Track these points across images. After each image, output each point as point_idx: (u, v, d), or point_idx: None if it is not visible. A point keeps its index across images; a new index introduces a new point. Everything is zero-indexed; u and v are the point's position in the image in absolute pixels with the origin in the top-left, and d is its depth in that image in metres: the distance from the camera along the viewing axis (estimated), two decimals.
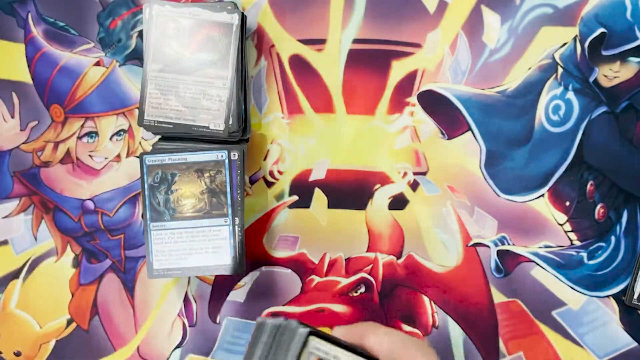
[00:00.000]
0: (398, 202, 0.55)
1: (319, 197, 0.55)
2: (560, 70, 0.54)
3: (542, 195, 0.54)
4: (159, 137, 0.52)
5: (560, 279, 0.54)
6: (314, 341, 0.35)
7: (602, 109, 0.54)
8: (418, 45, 0.54)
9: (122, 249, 0.56)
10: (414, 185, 0.55)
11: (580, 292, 0.54)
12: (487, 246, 0.55)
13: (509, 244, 0.55)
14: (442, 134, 0.55)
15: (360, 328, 0.37)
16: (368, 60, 0.55)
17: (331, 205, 0.55)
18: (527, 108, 0.54)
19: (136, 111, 0.55)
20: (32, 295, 0.57)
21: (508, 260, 0.55)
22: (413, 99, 0.55)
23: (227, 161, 0.50)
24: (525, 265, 0.55)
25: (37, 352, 0.57)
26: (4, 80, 0.56)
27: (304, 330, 0.35)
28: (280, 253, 0.56)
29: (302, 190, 0.56)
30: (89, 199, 0.56)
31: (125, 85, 0.56)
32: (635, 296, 0.53)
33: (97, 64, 0.55)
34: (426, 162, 0.55)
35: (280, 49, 0.55)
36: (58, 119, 0.56)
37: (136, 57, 0.55)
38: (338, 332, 0.38)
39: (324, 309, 0.56)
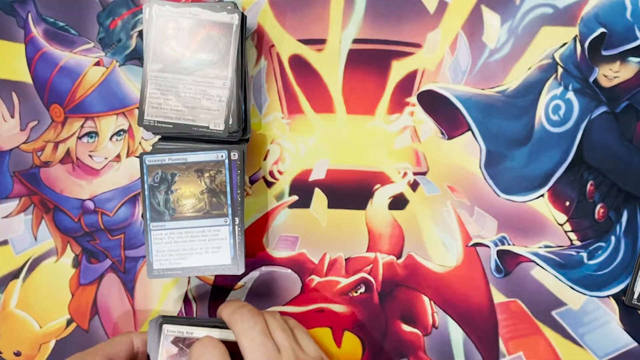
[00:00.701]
0: (398, 202, 0.55)
1: (319, 197, 0.55)
2: (560, 70, 0.54)
3: (542, 195, 0.54)
4: (158, 137, 0.52)
5: (560, 279, 0.54)
6: (167, 326, 0.48)
7: (602, 109, 0.54)
8: (418, 45, 0.54)
9: (122, 249, 0.56)
10: (414, 185, 0.55)
11: (580, 292, 0.54)
12: (487, 246, 0.55)
13: (509, 244, 0.55)
14: (442, 134, 0.55)
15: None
16: (368, 60, 0.55)
17: (331, 205, 0.55)
18: (527, 108, 0.54)
19: (136, 111, 0.55)
20: (32, 295, 0.57)
21: (508, 260, 0.55)
22: (413, 99, 0.55)
23: (227, 161, 0.50)
24: (525, 265, 0.55)
25: (37, 352, 0.57)
26: (4, 80, 0.56)
27: (158, 321, 0.48)
28: (280, 253, 0.56)
29: (302, 190, 0.56)
30: (89, 199, 0.56)
31: (125, 85, 0.56)
32: (635, 296, 0.53)
33: (97, 64, 0.56)
34: (426, 162, 0.55)
35: (280, 49, 0.55)
36: (58, 119, 0.56)
37: (136, 57, 0.55)
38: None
39: (324, 309, 0.56)
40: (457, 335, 0.55)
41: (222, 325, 0.48)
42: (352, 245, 0.56)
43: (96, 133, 0.56)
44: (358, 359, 0.56)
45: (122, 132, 0.56)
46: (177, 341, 0.48)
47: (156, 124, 0.50)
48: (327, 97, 0.55)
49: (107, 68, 0.56)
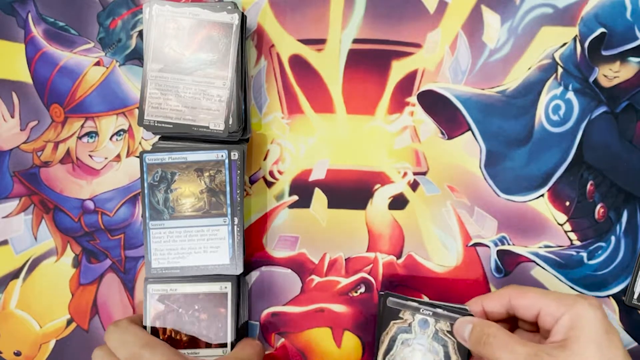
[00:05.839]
0: (398, 202, 0.55)
1: (319, 197, 0.55)
2: (560, 70, 0.54)
3: (542, 195, 0.54)
4: (158, 137, 0.52)
5: (560, 279, 0.54)
6: (151, 286, 0.50)
7: (602, 109, 0.54)
8: (418, 45, 0.54)
9: (122, 249, 0.56)
10: (414, 185, 0.55)
11: (580, 292, 0.54)
12: (487, 246, 0.55)
13: (509, 244, 0.55)
14: (442, 134, 0.55)
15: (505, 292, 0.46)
16: (368, 60, 0.55)
17: (331, 205, 0.55)
18: (527, 108, 0.54)
19: (136, 111, 0.56)
20: (32, 295, 0.57)
21: (508, 260, 0.55)
22: (413, 99, 0.55)
23: (227, 161, 0.50)
24: (525, 265, 0.54)
25: (37, 352, 0.57)
26: (4, 80, 0.56)
27: (144, 283, 0.50)
28: (280, 253, 0.56)
29: (302, 190, 0.56)
30: (89, 199, 0.56)
31: (125, 85, 0.56)
32: (635, 296, 0.53)
33: (97, 64, 0.56)
34: (426, 162, 0.55)
35: (280, 49, 0.55)
36: (58, 119, 0.56)
37: (136, 57, 0.55)
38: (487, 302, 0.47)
39: (324, 309, 0.56)
40: None
41: (204, 280, 0.50)
42: (352, 245, 0.55)
43: (96, 133, 0.56)
44: (358, 359, 0.56)
45: (122, 132, 0.56)
46: (162, 298, 0.50)
47: (156, 124, 0.50)
48: (327, 97, 0.55)
49: (107, 68, 0.56)
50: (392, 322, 0.49)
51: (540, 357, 0.40)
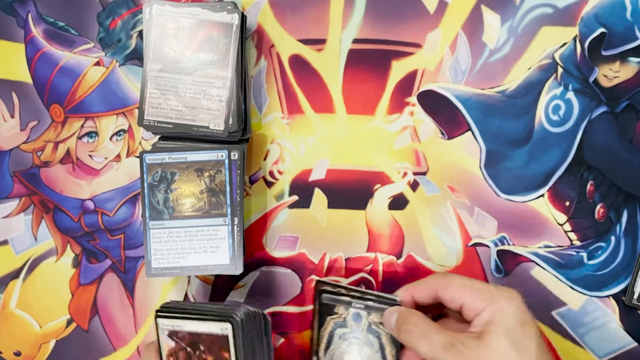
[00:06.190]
0: (398, 202, 0.55)
1: (319, 197, 0.55)
2: (560, 70, 0.54)
3: (542, 195, 0.54)
4: (158, 137, 0.52)
5: (560, 279, 0.54)
6: (161, 320, 0.46)
7: (602, 109, 0.54)
8: (418, 45, 0.54)
9: (122, 249, 0.56)
10: (414, 185, 0.55)
11: (580, 292, 0.54)
12: (487, 246, 0.55)
13: (508, 244, 0.55)
14: (442, 134, 0.55)
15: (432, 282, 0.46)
16: (368, 60, 0.55)
17: (331, 205, 0.55)
18: (527, 108, 0.54)
19: (136, 111, 0.56)
20: (32, 295, 0.57)
21: (508, 260, 0.55)
22: (413, 99, 0.55)
23: (227, 161, 0.50)
24: (525, 265, 0.54)
25: (37, 352, 0.57)
26: (4, 80, 0.56)
27: (156, 317, 0.46)
28: (280, 253, 0.56)
29: (302, 190, 0.56)
30: (89, 199, 0.56)
31: (125, 85, 0.56)
32: (635, 296, 0.53)
33: (97, 64, 0.56)
34: (426, 162, 0.55)
35: (280, 49, 0.55)
36: (58, 119, 0.56)
37: (136, 57, 0.55)
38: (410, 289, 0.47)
39: None
40: None
41: (210, 317, 0.45)
42: (352, 245, 0.56)
43: (96, 133, 0.56)
44: None
45: (122, 132, 0.56)
46: (171, 334, 0.46)
47: (156, 124, 0.50)
48: (327, 97, 0.55)
49: (107, 68, 0.56)
50: (328, 317, 0.49)
51: (455, 346, 0.41)
